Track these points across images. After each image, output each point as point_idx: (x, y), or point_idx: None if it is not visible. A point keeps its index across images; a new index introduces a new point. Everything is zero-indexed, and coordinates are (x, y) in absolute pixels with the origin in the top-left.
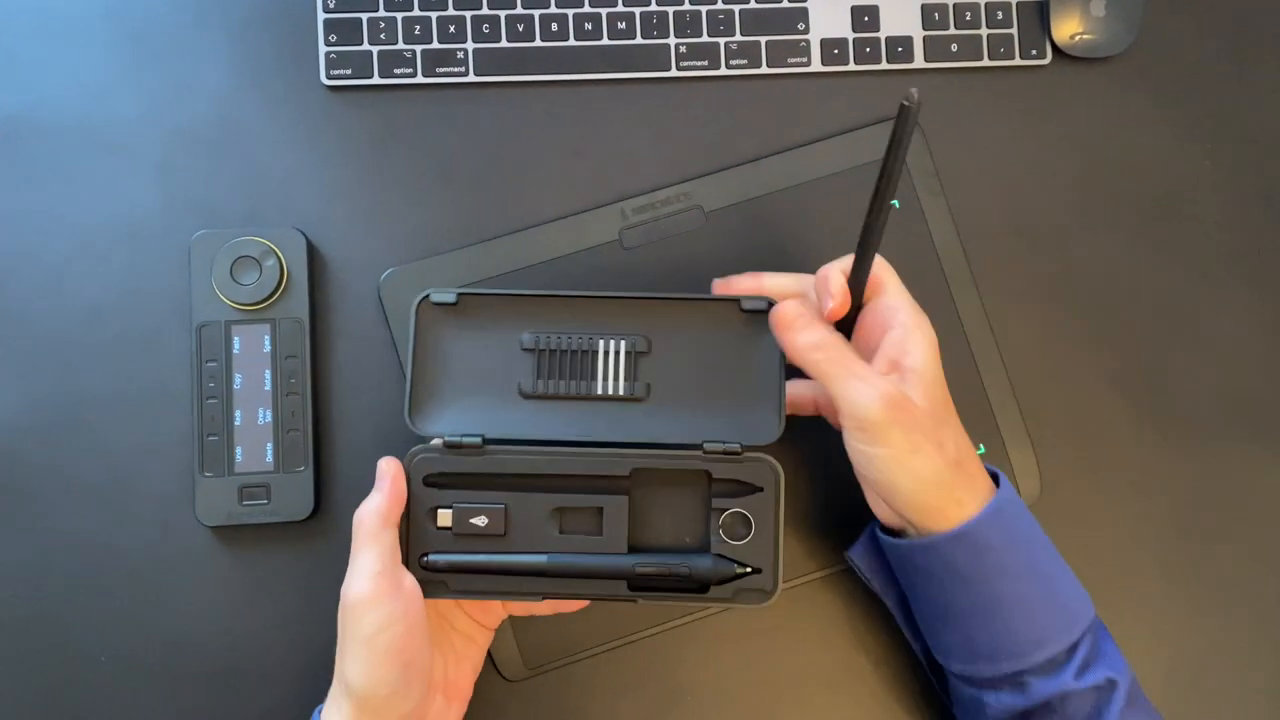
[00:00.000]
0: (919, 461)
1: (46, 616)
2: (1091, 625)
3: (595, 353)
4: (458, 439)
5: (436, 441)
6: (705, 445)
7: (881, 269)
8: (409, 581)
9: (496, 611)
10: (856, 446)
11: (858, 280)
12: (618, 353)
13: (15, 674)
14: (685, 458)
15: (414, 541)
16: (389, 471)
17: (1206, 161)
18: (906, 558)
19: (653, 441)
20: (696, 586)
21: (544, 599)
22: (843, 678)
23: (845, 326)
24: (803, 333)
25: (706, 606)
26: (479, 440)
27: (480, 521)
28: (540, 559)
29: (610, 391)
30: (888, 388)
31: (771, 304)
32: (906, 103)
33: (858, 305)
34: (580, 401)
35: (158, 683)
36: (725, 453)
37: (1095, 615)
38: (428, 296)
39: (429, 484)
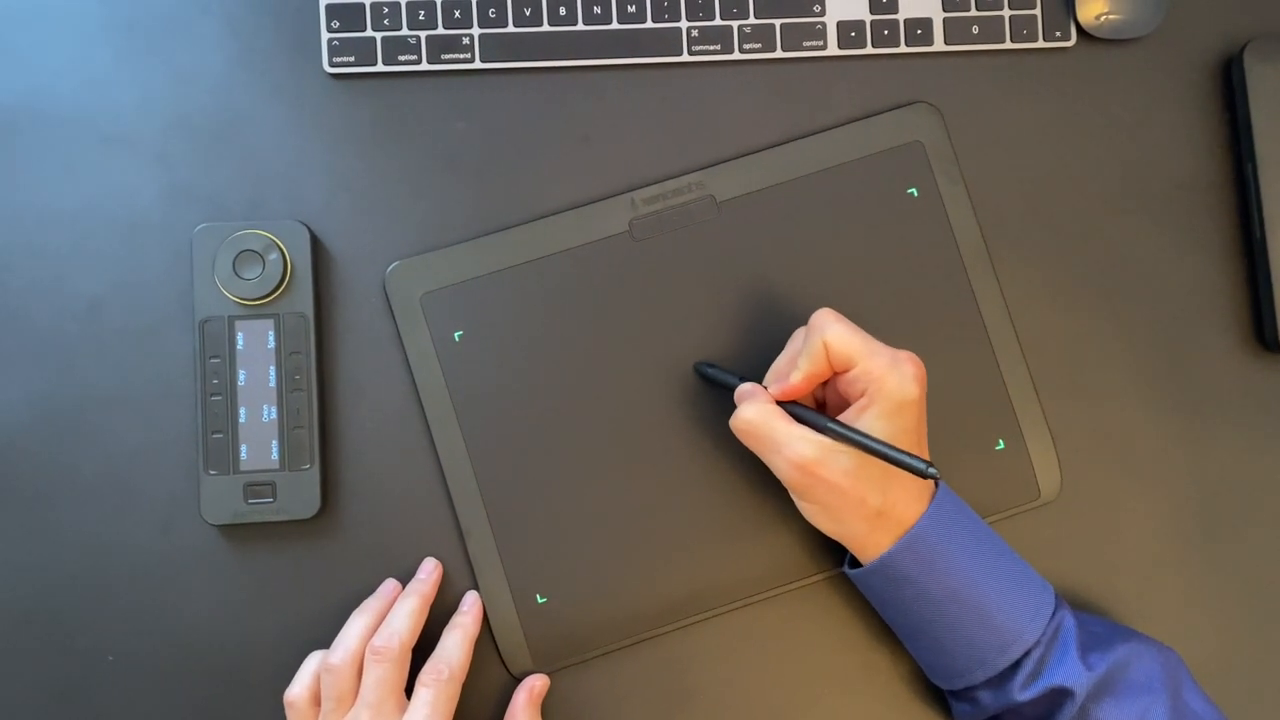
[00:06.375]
0: (830, 523)
1: (51, 617)
2: (1042, 637)
3: None
4: None
5: None
6: None
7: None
8: None
9: None
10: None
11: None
12: None
13: (21, 674)
14: None
15: None
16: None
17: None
18: (856, 581)
19: None
20: None
21: None
22: (858, 677)
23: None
24: (741, 407)
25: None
26: None
27: None
28: None
29: None
30: (801, 460)
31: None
32: None
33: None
34: None
35: (164, 682)
36: None
37: (1054, 622)
38: None
39: None
